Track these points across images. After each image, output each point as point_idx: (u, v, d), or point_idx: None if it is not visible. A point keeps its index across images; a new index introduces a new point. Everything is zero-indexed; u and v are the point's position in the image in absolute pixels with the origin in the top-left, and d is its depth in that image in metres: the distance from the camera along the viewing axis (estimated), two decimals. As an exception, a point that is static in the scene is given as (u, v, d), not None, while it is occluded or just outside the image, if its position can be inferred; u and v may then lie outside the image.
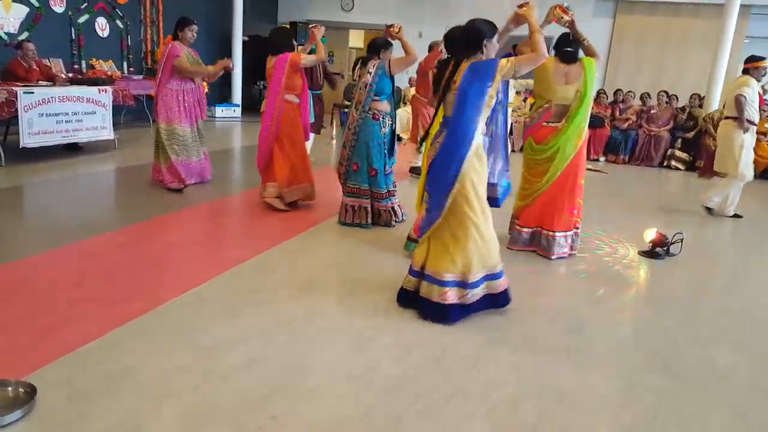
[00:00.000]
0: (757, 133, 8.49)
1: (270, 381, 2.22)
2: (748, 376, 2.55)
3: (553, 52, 3.84)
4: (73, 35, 8.36)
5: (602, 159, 9.33)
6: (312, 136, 5.65)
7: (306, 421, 2.00)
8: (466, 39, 2.77)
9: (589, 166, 8.43)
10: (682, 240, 4.27)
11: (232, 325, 2.64)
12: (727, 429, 2.14)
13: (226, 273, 3.27)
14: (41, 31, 7.73)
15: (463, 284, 2.78)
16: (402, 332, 2.69)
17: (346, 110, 5.18)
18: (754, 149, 8.52)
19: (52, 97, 5.98)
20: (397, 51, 4.21)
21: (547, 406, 2.19)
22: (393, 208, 4.43)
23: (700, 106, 9.37)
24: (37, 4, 7.70)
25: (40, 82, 6.41)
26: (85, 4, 8.50)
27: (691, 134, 9.00)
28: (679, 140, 9.07)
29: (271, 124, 4.49)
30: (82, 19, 8.50)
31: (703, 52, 10.37)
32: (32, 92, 5.82)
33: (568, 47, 3.82)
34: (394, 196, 4.45)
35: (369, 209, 4.33)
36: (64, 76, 7.24)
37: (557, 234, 3.88)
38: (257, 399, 2.10)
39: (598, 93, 9.78)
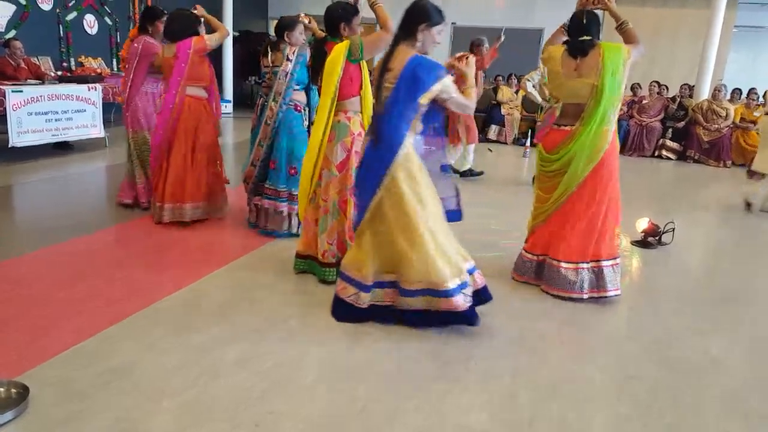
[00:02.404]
0: (747, 122, 8.64)
1: (266, 378, 2.22)
2: (743, 365, 2.57)
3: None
4: (61, 33, 8.28)
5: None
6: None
7: (303, 416, 2.00)
8: (406, 17, 2.49)
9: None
10: (674, 229, 4.30)
11: (228, 323, 2.64)
12: (722, 417, 2.16)
13: (221, 269, 3.26)
14: (29, 29, 7.66)
15: (360, 285, 2.61)
16: (395, 328, 2.68)
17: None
18: (744, 139, 8.65)
19: (41, 96, 5.93)
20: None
21: (543, 398, 2.20)
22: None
23: (690, 96, 9.42)
24: (24, 2, 7.61)
25: (28, 80, 6.35)
26: (73, 2, 8.41)
27: (681, 124, 9.05)
28: (670, 130, 9.12)
29: (167, 126, 3.82)
30: (70, 17, 8.41)
31: (692, 42, 10.42)
32: (21, 91, 5.76)
33: (583, 34, 3.03)
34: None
35: (285, 214, 3.80)
36: (52, 74, 7.18)
37: (563, 265, 3.07)
38: (254, 396, 2.10)
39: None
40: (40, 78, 6.57)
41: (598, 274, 3.07)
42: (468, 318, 2.59)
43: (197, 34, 3.89)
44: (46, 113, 6.00)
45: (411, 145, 2.50)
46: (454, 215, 2.78)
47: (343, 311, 2.67)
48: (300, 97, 3.79)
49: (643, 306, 3.16)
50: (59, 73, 7.59)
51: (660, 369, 2.47)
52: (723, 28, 9.28)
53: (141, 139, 4.39)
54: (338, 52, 2.88)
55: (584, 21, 3.02)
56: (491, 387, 2.25)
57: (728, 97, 9.01)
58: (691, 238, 4.64)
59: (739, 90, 9.18)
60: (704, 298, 3.36)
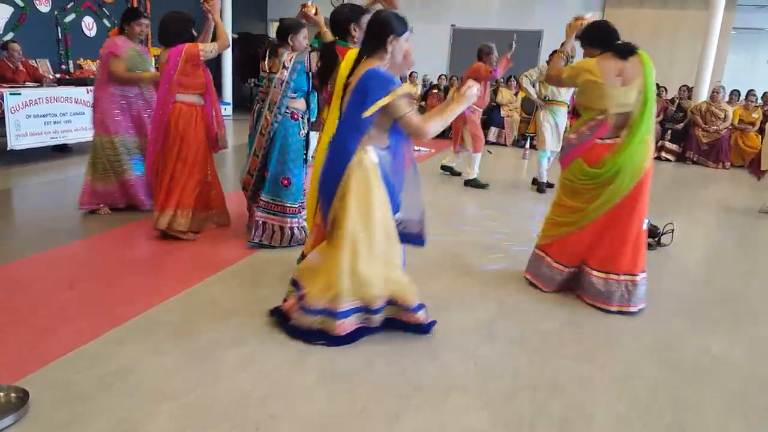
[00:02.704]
0: (746, 123, 8.66)
1: (266, 380, 2.21)
2: (743, 364, 2.57)
3: (558, 47, 3.32)
4: (59, 35, 8.28)
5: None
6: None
7: (303, 418, 2.00)
8: (370, 31, 2.42)
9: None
10: (673, 230, 4.30)
11: (228, 326, 2.63)
12: (722, 417, 2.16)
13: (221, 272, 3.26)
14: (27, 31, 7.66)
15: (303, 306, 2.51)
16: (394, 329, 2.68)
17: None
18: (743, 140, 8.66)
19: (39, 98, 5.93)
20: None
21: (543, 398, 2.20)
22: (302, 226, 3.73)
23: (689, 98, 9.44)
24: (21, 4, 7.61)
25: (26, 83, 6.35)
26: (72, 4, 8.42)
27: (680, 125, 9.07)
28: (669, 132, 9.13)
29: (157, 133, 3.66)
30: (68, 19, 8.41)
31: (691, 44, 10.45)
32: (19, 93, 5.76)
33: (617, 38, 3.01)
34: (305, 209, 3.72)
35: (280, 228, 3.67)
36: (51, 76, 7.18)
37: (594, 273, 3.03)
38: (254, 398, 2.09)
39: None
40: (39, 80, 6.57)
41: (630, 289, 2.98)
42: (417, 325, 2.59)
43: (193, 38, 3.71)
44: (44, 116, 6.00)
45: (366, 159, 2.39)
46: (415, 240, 2.69)
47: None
48: (298, 104, 3.61)
49: (643, 306, 3.16)
50: (58, 75, 7.59)
51: (660, 369, 2.47)
52: (721, 30, 9.31)
53: (105, 143, 4.21)
54: (350, 59, 2.71)
55: (612, 27, 3.07)
56: (491, 387, 2.25)
57: (727, 98, 9.03)
58: (690, 239, 4.64)
59: (738, 92, 9.20)
60: (704, 298, 3.36)
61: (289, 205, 3.63)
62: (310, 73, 3.55)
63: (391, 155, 2.49)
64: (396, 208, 2.57)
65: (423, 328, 2.58)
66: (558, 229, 3.16)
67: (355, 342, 2.48)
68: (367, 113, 2.29)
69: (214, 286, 3.08)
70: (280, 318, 2.61)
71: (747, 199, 6.28)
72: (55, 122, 6.10)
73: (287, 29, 3.52)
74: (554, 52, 3.15)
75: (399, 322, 2.58)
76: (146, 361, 2.28)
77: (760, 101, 8.95)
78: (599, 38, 3.06)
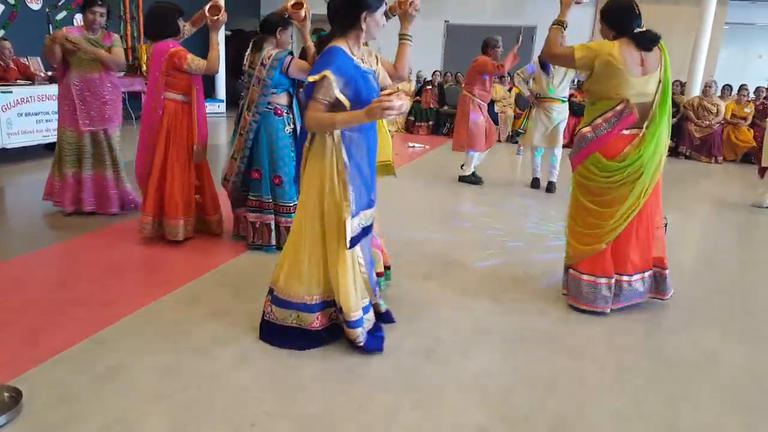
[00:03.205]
0: (738, 118, 8.70)
1: (262, 377, 2.21)
2: (736, 360, 2.58)
3: (581, 32, 2.89)
4: (51, 32, 8.21)
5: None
6: None
7: (299, 415, 2.00)
8: (340, 11, 2.22)
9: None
10: (666, 225, 4.31)
11: (222, 323, 2.62)
12: (717, 412, 2.17)
13: (214, 271, 3.25)
14: (18, 29, 7.59)
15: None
16: (391, 325, 2.68)
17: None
18: (735, 135, 8.71)
19: (31, 96, 5.89)
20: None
21: (539, 395, 2.20)
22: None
23: (682, 93, 9.47)
24: (12, 2, 7.55)
25: (18, 81, 6.29)
26: (63, 1, 8.35)
27: (673, 120, 9.09)
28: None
29: (148, 132, 3.54)
30: (59, 16, 8.35)
31: (684, 38, 10.48)
32: (10, 92, 5.72)
33: (639, 24, 2.75)
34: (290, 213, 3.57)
35: (272, 227, 3.57)
36: (42, 74, 7.11)
37: (634, 278, 2.94)
38: (250, 396, 2.09)
39: (581, 82, 9.81)
40: (30, 78, 6.51)
41: (659, 280, 3.01)
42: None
43: (178, 30, 3.55)
44: (36, 114, 5.96)
45: (320, 141, 2.25)
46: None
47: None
48: (281, 99, 3.46)
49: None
50: (49, 73, 7.51)
51: (656, 365, 2.48)
52: (714, 25, 9.34)
53: (64, 136, 4.09)
54: None
55: (637, 10, 2.75)
56: (488, 384, 2.26)
57: (719, 93, 9.07)
58: (683, 234, 4.66)
59: (730, 86, 9.24)
60: (698, 293, 3.38)
61: (282, 203, 3.54)
62: (287, 72, 3.38)
63: (362, 137, 2.30)
64: (370, 202, 2.42)
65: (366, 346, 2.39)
66: (594, 244, 2.85)
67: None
68: (304, 79, 2.23)
69: (207, 285, 3.07)
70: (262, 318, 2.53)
71: (739, 193, 6.32)
72: (47, 120, 6.06)
73: (276, 23, 3.40)
74: (552, 25, 2.88)
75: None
76: (140, 361, 2.27)
77: (752, 96, 8.99)
78: (617, 19, 2.78)
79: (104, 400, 2.01)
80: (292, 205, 3.52)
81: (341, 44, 2.22)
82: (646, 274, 2.95)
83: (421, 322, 2.73)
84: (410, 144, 8.43)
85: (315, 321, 2.41)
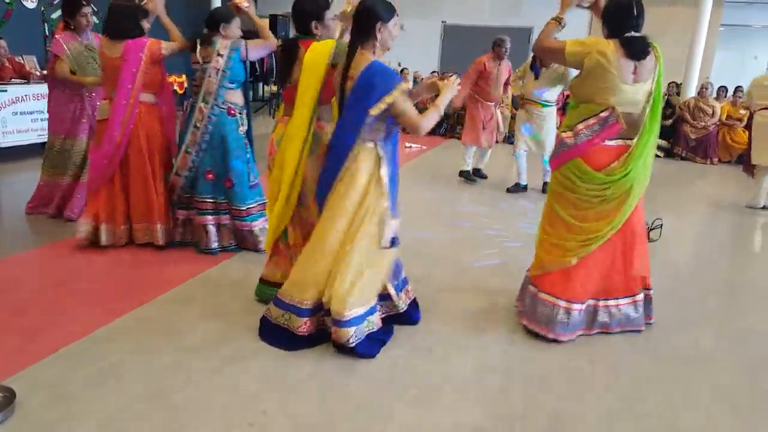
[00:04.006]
0: (733, 119, 8.74)
1: (259, 376, 2.20)
2: (731, 357, 2.60)
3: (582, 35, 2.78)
4: (46, 31, 8.17)
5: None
6: None
7: (296, 415, 1.99)
8: (357, 22, 2.33)
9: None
10: (661, 226, 4.33)
11: (219, 323, 2.62)
12: (712, 409, 2.18)
13: (211, 269, 3.24)
14: (13, 28, 7.55)
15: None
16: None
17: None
18: (731, 136, 8.75)
19: (26, 95, 5.87)
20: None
21: (535, 392, 2.21)
22: (259, 230, 3.46)
23: (678, 94, 9.50)
24: (7, 0, 7.51)
25: (13, 79, 6.26)
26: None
27: (668, 122, 9.13)
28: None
29: (119, 137, 3.28)
30: (55, 15, 8.30)
31: (680, 40, 10.52)
32: (5, 90, 5.70)
33: (632, 26, 2.50)
34: (263, 214, 3.47)
35: (231, 228, 3.46)
36: (37, 73, 7.08)
37: (621, 302, 2.67)
38: (247, 395, 2.08)
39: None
40: (25, 77, 6.48)
41: (647, 303, 2.74)
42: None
43: (142, 32, 3.36)
44: (31, 113, 5.93)
45: (364, 155, 2.34)
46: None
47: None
48: (235, 98, 3.35)
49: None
50: (44, 72, 7.49)
51: (650, 362, 2.49)
52: (710, 27, 9.38)
53: (62, 143, 4.00)
54: (321, 52, 2.52)
55: (636, 11, 2.48)
56: (484, 382, 2.26)
57: (714, 95, 9.10)
58: (678, 235, 4.67)
59: (726, 88, 9.28)
60: (692, 292, 3.39)
61: (234, 206, 3.40)
62: (247, 62, 3.34)
63: (389, 150, 2.44)
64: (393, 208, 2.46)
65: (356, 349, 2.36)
66: (561, 258, 2.58)
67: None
68: (375, 110, 2.25)
69: (201, 287, 3.05)
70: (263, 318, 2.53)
71: (734, 194, 6.33)
72: (42, 119, 6.03)
73: (218, 19, 3.28)
74: (551, 20, 2.70)
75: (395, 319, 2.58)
76: (135, 360, 2.26)
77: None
78: (610, 17, 2.56)
79: (100, 399, 2.00)
80: (244, 208, 3.40)
81: (373, 57, 2.32)
82: (639, 297, 2.70)
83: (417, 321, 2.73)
84: (408, 144, 8.42)
85: (302, 326, 2.40)
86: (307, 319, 2.41)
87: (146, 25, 3.41)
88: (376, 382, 2.21)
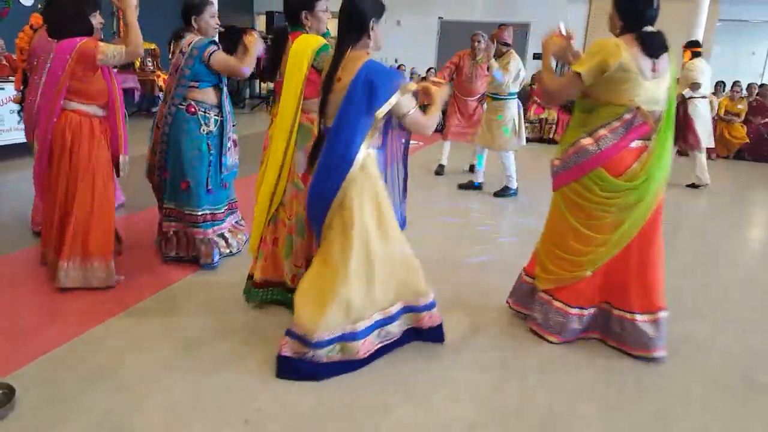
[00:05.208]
0: (731, 114, 8.74)
1: (254, 374, 2.21)
2: (725, 349, 2.60)
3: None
4: (42, 29, 8.16)
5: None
6: None
7: (291, 412, 2.00)
8: (351, 19, 2.17)
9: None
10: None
11: (215, 320, 2.62)
12: (707, 401, 2.20)
13: (195, 273, 3.25)
14: (9, 26, 7.52)
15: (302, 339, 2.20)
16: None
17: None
18: (729, 131, 8.76)
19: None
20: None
21: (530, 388, 2.22)
22: (215, 237, 3.25)
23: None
24: (4, -2, 7.49)
25: (10, 78, 6.25)
26: (54, -3, 8.29)
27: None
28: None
29: (41, 153, 2.81)
30: (51, 13, 8.29)
31: (677, 35, 10.50)
32: (2, 88, 5.69)
33: (650, 20, 2.34)
34: (221, 221, 3.27)
35: (185, 236, 3.24)
36: (34, 71, 7.07)
37: (638, 317, 2.41)
38: (242, 392, 2.09)
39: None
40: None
41: (661, 327, 2.44)
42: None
43: (91, 28, 2.82)
44: (28, 111, 5.91)
45: (369, 162, 2.21)
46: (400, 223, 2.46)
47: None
48: (203, 96, 3.10)
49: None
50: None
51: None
52: (707, 22, 9.37)
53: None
54: (304, 48, 2.47)
55: (656, 2, 2.35)
56: (479, 378, 2.27)
57: (712, 90, 9.09)
58: (672, 225, 4.68)
59: (723, 83, 9.28)
60: (686, 284, 3.38)
61: (187, 212, 3.16)
62: (208, 64, 3.06)
63: (383, 155, 2.35)
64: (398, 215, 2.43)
65: (439, 334, 2.46)
66: (569, 272, 2.46)
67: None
68: (381, 112, 2.12)
69: (196, 284, 3.06)
70: (287, 365, 2.22)
71: (729, 186, 6.33)
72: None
73: (189, 11, 3.06)
74: (542, 71, 2.60)
75: (417, 331, 2.44)
76: (131, 359, 2.27)
77: (744, 92, 9.03)
78: (629, 7, 2.36)
79: (95, 398, 2.01)
80: (200, 214, 3.16)
81: (367, 56, 2.16)
82: (660, 315, 2.42)
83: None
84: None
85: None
86: (364, 339, 2.25)
87: (96, 20, 2.87)
88: (370, 379, 2.22)
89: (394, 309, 2.34)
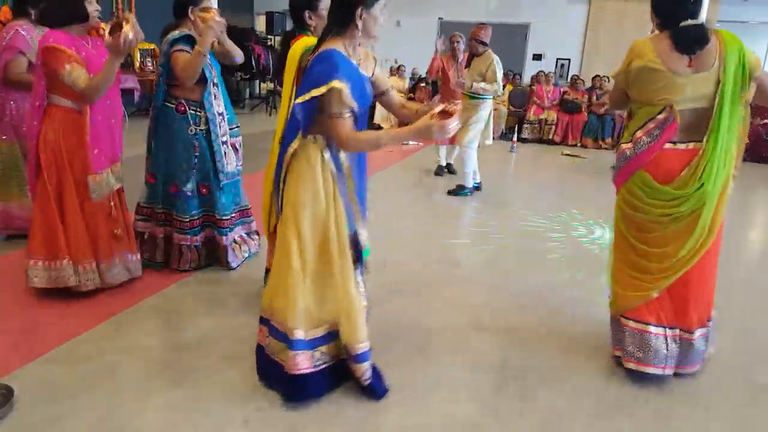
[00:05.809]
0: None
1: (253, 374, 2.21)
2: (725, 349, 2.60)
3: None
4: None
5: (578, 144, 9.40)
6: None
7: (290, 412, 2.00)
8: (334, 8, 1.97)
9: (567, 152, 8.55)
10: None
11: (214, 320, 2.62)
12: (708, 401, 2.19)
13: (194, 275, 3.25)
14: (8, 25, 7.52)
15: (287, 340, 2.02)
16: (383, 321, 2.68)
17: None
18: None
19: (22, 93, 5.81)
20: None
21: (531, 388, 2.22)
22: (201, 243, 3.11)
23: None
24: (1, -2, 7.48)
25: (9, 77, 6.24)
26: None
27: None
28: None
29: (33, 146, 2.63)
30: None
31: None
32: (1, 88, 5.66)
33: (689, 13, 2.15)
34: (228, 228, 3.12)
35: (162, 241, 3.08)
36: (34, 71, 7.06)
37: (696, 334, 2.26)
38: (242, 392, 2.09)
39: (574, 79, 9.85)
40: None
41: (711, 335, 2.34)
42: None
43: (84, 18, 2.55)
44: (27, 111, 5.89)
45: (309, 151, 1.96)
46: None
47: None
48: (191, 94, 2.93)
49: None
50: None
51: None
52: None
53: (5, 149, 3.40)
54: (299, 49, 2.43)
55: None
56: (479, 378, 2.27)
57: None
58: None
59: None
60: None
61: (176, 216, 3.03)
62: (236, 59, 3.03)
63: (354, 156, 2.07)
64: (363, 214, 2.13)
65: (373, 390, 2.09)
66: (637, 292, 2.27)
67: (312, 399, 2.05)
68: (300, 99, 1.88)
69: (197, 283, 3.06)
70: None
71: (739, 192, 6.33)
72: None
73: (185, 3, 2.86)
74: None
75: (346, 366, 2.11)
76: (132, 358, 2.27)
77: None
78: (662, 4, 2.22)
79: (95, 397, 2.01)
80: (188, 220, 3.02)
81: (337, 46, 1.92)
82: (709, 324, 2.32)
83: (412, 317, 2.73)
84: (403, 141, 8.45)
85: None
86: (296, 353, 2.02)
87: (92, 7, 2.58)
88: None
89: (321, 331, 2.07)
